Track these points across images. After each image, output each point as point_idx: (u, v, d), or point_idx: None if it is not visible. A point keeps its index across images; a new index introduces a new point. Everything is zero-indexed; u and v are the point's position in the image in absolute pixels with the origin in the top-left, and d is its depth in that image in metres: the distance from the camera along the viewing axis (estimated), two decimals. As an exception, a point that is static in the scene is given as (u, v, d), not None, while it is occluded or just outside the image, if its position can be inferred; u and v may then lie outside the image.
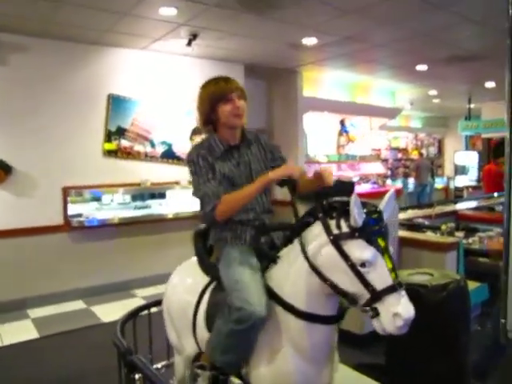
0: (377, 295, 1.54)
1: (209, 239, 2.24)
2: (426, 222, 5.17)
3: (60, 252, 5.37)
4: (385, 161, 12.49)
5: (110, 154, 5.73)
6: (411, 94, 10.30)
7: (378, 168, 10.52)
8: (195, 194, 2.07)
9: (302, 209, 1.90)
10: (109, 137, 5.72)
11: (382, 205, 1.67)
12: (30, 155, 5.17)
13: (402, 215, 5.28)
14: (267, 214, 2.17)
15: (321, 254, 1.69)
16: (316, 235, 1.72)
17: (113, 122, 5.73)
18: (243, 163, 2.12)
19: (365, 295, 1.57)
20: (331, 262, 1.64)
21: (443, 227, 4.25)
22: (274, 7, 4.47)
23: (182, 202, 6.16)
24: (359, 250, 1.56)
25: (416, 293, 2.34)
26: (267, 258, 1.96)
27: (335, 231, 1.64)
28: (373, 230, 1.59)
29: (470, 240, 4.64)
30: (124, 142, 5.83)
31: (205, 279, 2.22)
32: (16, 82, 5.07)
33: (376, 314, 1.55)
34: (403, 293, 1.54)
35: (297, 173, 1.92)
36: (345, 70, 7.62)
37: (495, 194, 6.36)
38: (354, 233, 1.58)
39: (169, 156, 6.22)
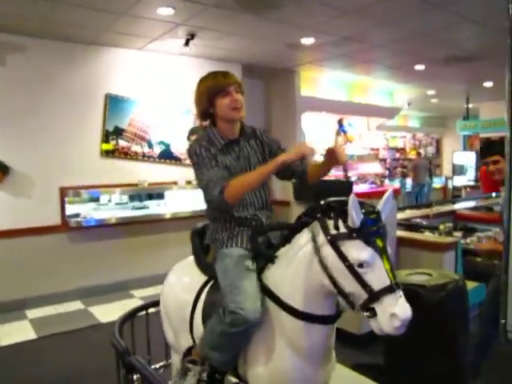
0: (374, 295, 1.54)
1: (205, 238, 2.23)
2: (424, 222, 5.17)
3: (58, 252, 5.36)
4: (383, 161, 12.50)
5: (107, 154, 5.73)
6: (409, 93, 10.31)
7: (375, 168, 10.52)
8: (200, 183, 2.01)
9: (299, 209, 1.90)
10: (106, 137, 5.71)
11: (380, 205, 1.67)
12: (28, 155, 5.16)
13: (400, 215, 5.29)
14: (266, 211, 2.16)
15: (318, 255, 1.69)
16: (314, 235, 1.72)
17: (110, 122, 5.73)
18: (243, 157, 2.10)
19: (362, 295, 1.56)
20: (329, 262, 1.64)
21: (441, 227, 4.25)
22: (271, 7, 4.47)
23: (180, 202, 6.17)
24: (357, 251, 1.56)
25: (414, 293, 2.34)
26: (264, 258, 1.95)
27: (333, 231, 1.64)
28: (371, 231, 1.58)
29: (468, 240, 4.65)
30: (121, 142, 5.82)
31: (202, 278, 2.21)
32: (14, 81, 5.06)
33: (373, 314, 1.55)
34: (401, 293, 1.54)
35: (310, 152, 1.87)
36: (343, 70, 7.62)
37: (493, 194, 6.37)
38: (352, 233, 1.58)
39: (166, 156, 6.21)
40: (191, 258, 2.36)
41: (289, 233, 1.89)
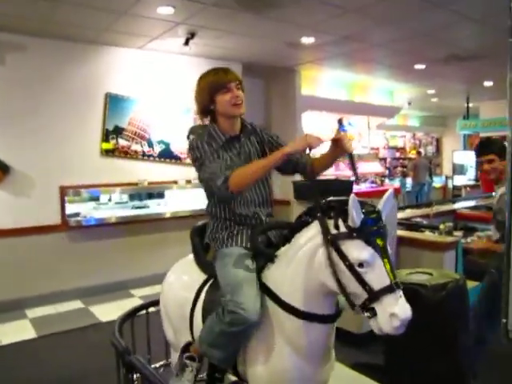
0: (374, 295, 1.53)
1: (205, 237, 2.23)
2: (425, 222, 5.17)
3: (58, 252, 5.35)
4: (383, 160, 12.52)
5: (107, 153, 5.72)
6: (409, 93, 10.31)
7: (375, 167, 10.53)
8: (202, 175, 1.98)
9: (299, 209, 1.89)
10: (106, 136, 5.70)
11: (381, 204, 1.67)
12: (28, 154, 5.15)
13: (400, 214, 5.29)
14: (266, 208, 2.15)
15: (318, 254, 1.69)
16: (314, 235, 1.72)
17: (110, 121, 5.72)
18: (244, 153, 2.10)
19: (362, 295, 1.56)
20: (329, 261, 1.64)
21: (442, 227, 4.25)
22: (271, 6, 4.46)
23: (180, 201, 6.17)
24: (357, 251, 1.56)
25: (415, 292, 2.35)
26: (264, 257, 1.95)
27: (333, 231, 1.63)
28: (371, 231, 1.58)
29: (469, 239, 4.64)
30: (121, 142, 5.82)
31: (202, 276, 2.21)
32: (13, 81, 5.06)
33: (373, 314, 1.55)
34: (401, 293, 1.54)
35: (317, 142, 1.80)
36: (343, 69, 7.62)
37: (493, 194, 6.36)
38: (352, 233, 1.57)
39: (166, 155, 6.21)
40: (191, 256, 2.36)
41: (289, 232, 1.89)
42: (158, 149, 6.14)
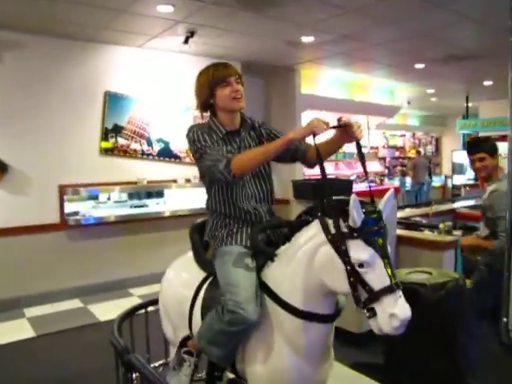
0: (374, 295, 1.53)
1: (205, 234, 2.22)
2: (424, 221, 5.17)
3: (56, 250, 5.34)
4: (382, 159, 12.52)
5: (106, 152, 5.71)
6: (409, 92, 10.31)
7: (375, 166, 10.53)
8: (203, 163, 1.97)
9: (299, 208, 1.88)
10: (105, 135, 5.69)
11: (381, 204, 1.66)
12: (27, 153, 5.14)
13: (400, 214, 5.29)
14: (267, 204, 2.15)
15: (318, 253, 1.68)
16: (314, 234, 1.71)
17: (109, 120, 5.71)
18: (244, 148, 2.10)
19: (362, 295, 1.56)
20: (328, 261, 1.64)
21: (441, 226, 4.24)
22: (271, 5, 4.46)
23: (179, 200, 6.16)
24: (357, 251, 1.55)
25: (415, 291, 2.34)
26: (264, 256, 1.94)
27: (333, 231, 1.63)
28: (371, 231, 1.57)
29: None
30: (120, 140, 5.81)
31: (201, 274, 2.21)
32: (12, 79, 5.04)
33: (373, 314, 1.54)
34: (400, 294, 1.54)
35: (322, 128, 1.75)
36: (343, 68, 7.61)
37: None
38: (353, 233, 1.57)
39: (166, 154, 6.20)
40: (190, 253, 2.35)
41: (289, 231, 1.88)
42: (157, 147, 6.13)
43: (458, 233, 4.62)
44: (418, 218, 5.34)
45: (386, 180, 11.35)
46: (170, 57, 6.15)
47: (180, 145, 6.18)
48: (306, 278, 1.73)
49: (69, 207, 5.42)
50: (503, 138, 9.30)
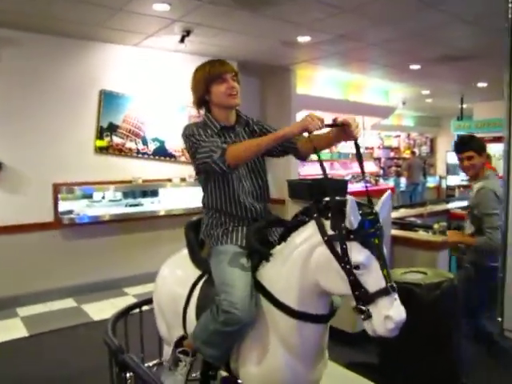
0: (370, 297, 1.53)
1: (200, 232, 2.21)
2: (419, 221, 5.20)
3: (50, 249, 5.32)
4: (377, 160, 12.55)
5: (101, 150, 5.69)
6: (404, 93, 10.34)
7: (370, 167, 10.56)
8: (198, 157, 1.96)
9: (294, 207, 1.88)
10: (100, 133, 5.67)
11: (378, 206, 1.65)
12: (21, 151, 5.11)
13: (395, 214, 5.31)
14: (263, 202, 2.15)
15: (314, 254, 1.68)
16: (310, 235, 1.71)
17: (104, 119, 5.69)
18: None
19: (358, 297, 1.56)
20: (324, 262, 1.63)
21: (435, 226, 4.27)
22: (268, 4, 4.45)
23: (174, 199, 6.15)
24: (353, 253, 1.55)
25: (410, 291, 2.35)
26: (259, 255, 1.94)
27: (330, 232, 1.62)
28: (368, 233, 1.57)
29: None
30: (116, 139, 5.79)
31: (196, 272, 2.20)
32: (7, 77, 5.01)
33: (368, 316, 1.54)
34: (396, 296, 1.54)
35: (316, 125, 1.74)
36: (338, 68, 7.62)
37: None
38: (349, 235, 1.56)
39: (161, 153, 6.19)
40: (185, 251, 2.34)
41: (285, 231, 1.88)
42: (152, 146, 6.11)
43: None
44: (412, 219, 5.37)
45: (381, 180, 11.40)
46: (166, 56, 6.14)
47: (175, 144, 6.17)
48: (301, 279, 1.73)
49: (63, 206, 5.40)
50: (497, 140, 9.35)
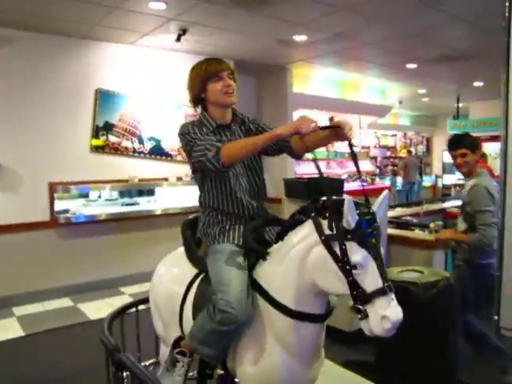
0: (367, 297, 1.53)
1: (197, 231, 2.21)
2: (415, 220, 5.22)
3: (46, 249, 5.30)
4: (373, 159, 12.57)
5: (97, 149, 5.67)
6: (401, 92, 10.35)
7: (366, 166, 10.57)
8: (193, 155, 1.96)
9: (291, 206, 1.88)
10: (96, 132, 5.65)
11: (375, 206, 1.65)
12: (17, 150, 5.09)
13: (391, 213, 5.33)
14: (260, 199, 2.15)
15: (311, 254, 1.68)
16: (307, 234, 1.71)
17: (100, 118, 5.67)
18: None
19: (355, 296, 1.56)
20: (321, 262, 1.63)
21: (431, 225, 4.28)
22: (264, 3, 4.45)
23: (171, 198, 6.14)
24: (351, 253, 1.55)
25: (406, 290, 2.35)
26: (256, 254, 1.93)
27: (327, 232, 1.62)
28: (365, 233, 1.57)
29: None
30: (112, 138, 5.77)
31: (193, 270, 2.20)
32: (2, 75, 4.99)
33: (365, 315, 1.54)
34: (393, 296, 1.54)
35: (308, 127, 1.76)
36: (335, 67, 7.62)
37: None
38: (347, 235, 1.56)
39: (157, 152, 6.18)
40: (181, 249, 2.34)
41: (282, 230, 1.88)
42: (148, 145, 6.10)
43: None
44: (408, 218, 5.38)
45: (377, 179, 11.41)
46: (162, 54, 6.12)
47: (171, 143, 6.16)
48: (298, 278, 1.73)
49: (59, 205, 5.38)
50: (493, 139, 9.38)
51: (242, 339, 1.87)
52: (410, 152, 13.05)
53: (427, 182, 14.01)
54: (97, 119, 5.64)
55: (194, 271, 2.18)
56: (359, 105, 9.24)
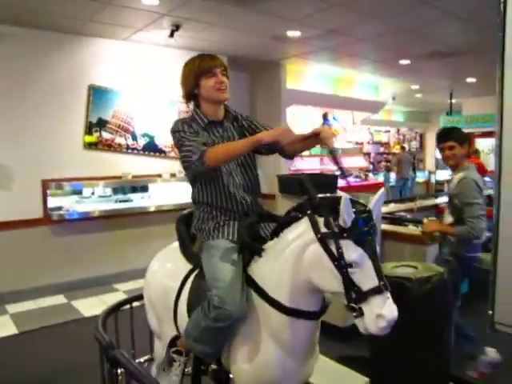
0: (362, 295, 1.54)
1: (191, 226, 2.21)
2: (408, 216, 5.23)
3: (40, 246, 5.28)
4: (367, 155, 12.60)
5: (90, 146, 5.65)
6: (394, 88, 10.37)
7: (360, 162, 10.60)
8: (181, 155, 1.98)
9: (285, 202, 1.88)
10: (89, 129, 5.63)
11: (372, 204, 1.64)
12: (9, 147, 5.06)
13: (385, 209, 5.34)
14: (254, 194, 2.15)
15: (307, 252, 1.68)
16: (303, 232, 1.71)
17: (94, 114, 5.64)
18: (227, 138, 2.11)
19: (350, 295, 1.56)
20: (317, 260, 1.63)
21: (425, 220, 4.29)
22: (257, -1, 4.44)
23: (164, 195, 6.13)
24: (347, 251, 1.55)
25: (400, 285, 2.36)
26: (251, 250, 1.93)
27: (323, 229, 1.62)
28: (361, 231, 1.57)
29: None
30: (105, 134, 5.75)
31: (187, 266, 2.19)
32: (-7, 71, 4.96)
33: (360, 314, 1.55)
34: (388, 295, 1.54)
35: (287, 139, 1.85)
36: (328, 63, 7.63)
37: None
38: (343, 233, 1.56)
39: (151, 149, 6.16)
40: (175, 244, 2.34)
41: (277, 227, 1.88)
42: (142, 142, 6.08)
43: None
44: (402, 213, 5.40)
45: (371, 175, 11.44)
46: (156, 50, 6.10)
47: (165, 139, 6.14)
48: (293, 275, 1.72)
49: (52, 202, 5.36)
50: (486, 135, 9.43)
51: (237, 336, 1.87)
52: (403, 148, 13.10)
53: (420, 177, 14.08)
54: (90, 115, 5.61)
55: (189, 266, 2.18)
56: (353, 101, 9.25)
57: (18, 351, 3.92)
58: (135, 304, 2.94)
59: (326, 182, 3.85)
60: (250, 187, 2.13)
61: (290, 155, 2.20)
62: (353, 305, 1.55)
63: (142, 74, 5.99)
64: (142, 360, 2.93)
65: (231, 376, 2.01)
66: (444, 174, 12.60)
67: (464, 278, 3.04)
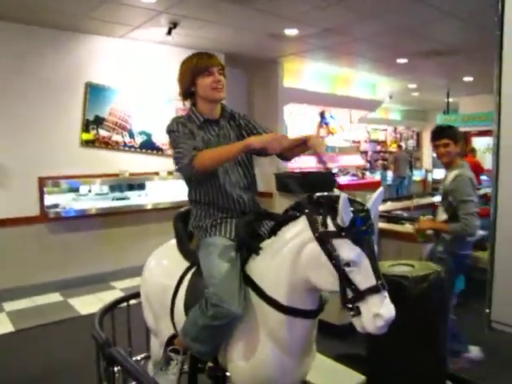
0: (360, 295, 1.53)
1: (189, 224, 2.20)
2: (405, 214, 5.22)
3: (36, 243, 5.27)
4: (364, 153, 12.61)
5: (87, 143, 5.64)
6: (391, 86, 10.38)
7: (357, 160, 10.60)
8: (174, 156, 2.00)
9: (282, 201, 1.88)
10: (86, 126, 5.61)
11: (370, 203, 1.64)
12: (6, 145, 5.04)
13: (382, 207, 5.34)
14: (251, 192, 2.15)
15: (305, 250, 1.67)
16: (301, 230, 1.70)
17: (90, 111, 5.63)
18: (223, 136, 2.11)
19: (348, 294, 1.56)
20: (315, 259, 1.63)
21: (421, 219, 4.30)
22: (255, -4, 4.44)
23: (161, 192, 6.12)
24: (344, 250, 1.55)
25: (397, 284, 2.36)
26: (248, 248, 1.93)
27: (321, 228, 1.61)
28: (360, 230, 1.56)
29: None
30: (102, 132, 5.74)
31: (184, 263, 2.19)
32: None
33: (357, 313, 1.55)
34: (386, 294, 1.54)
35: (274, 149, 1.86)
36: (326, 61, 7.63)
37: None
38: (341, 232, 1.55)
39: (148, 146, 6.15)
40: (172, 241, 2.33)
41: (275, 225, 1.87)
42: (139, 140, 6.07)
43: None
44: (399, 212, 5.40)
45: (368, 174, 11.45)
46: (153, 48, 6.08)
47: (162, 137, 6.12)
48: (291, 274, 1.72)
49: (49, 199, 5.35)
50: (483, 134, 9.45)
51: (234, 334, 1.87)
52: (400, 146, 13.12)
53: (417, 176, 14.09)
54: (87, 113, 5.60)
55: (186, 264, 2.18)
56: (350, 99, 9.26)
57: (15, 349, 3.90)
58: (132, 302, 2.94)
59: (322, 179, 3.85)
60: (247, 186, 2.13)
61: (286, 158, 2.19)
62: (350, 304, 1.55)
63: (139, 72, 5.98)
64: (138, 358, 2.92)
65: (228, 374, 2.01)
66: (441, 173, 12.62)
67: (457, 276, 3.05)
